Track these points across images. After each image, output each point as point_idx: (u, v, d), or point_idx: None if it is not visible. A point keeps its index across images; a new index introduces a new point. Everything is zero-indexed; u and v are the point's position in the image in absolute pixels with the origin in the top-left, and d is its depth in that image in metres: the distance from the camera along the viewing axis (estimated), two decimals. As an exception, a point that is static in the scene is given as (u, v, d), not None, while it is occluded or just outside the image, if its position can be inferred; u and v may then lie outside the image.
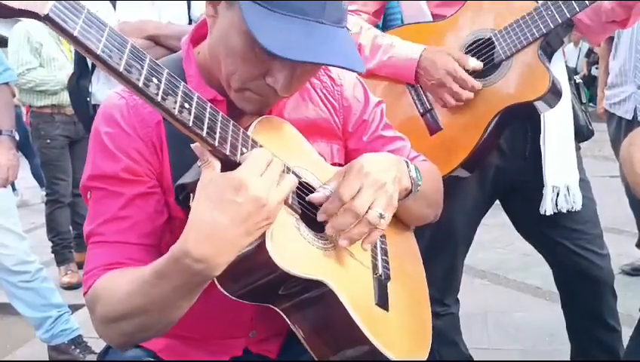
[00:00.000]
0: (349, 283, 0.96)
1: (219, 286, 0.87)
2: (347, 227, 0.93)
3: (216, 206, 0.78)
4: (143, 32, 1.88)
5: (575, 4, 1.46)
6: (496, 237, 3.58)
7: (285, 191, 0.83)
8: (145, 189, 0.97)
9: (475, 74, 1.52)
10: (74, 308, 2.89)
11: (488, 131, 1.53)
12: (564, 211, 1.64)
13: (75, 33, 0.68)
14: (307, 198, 0.96)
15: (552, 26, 1.47)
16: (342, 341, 0.95)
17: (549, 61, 1.55)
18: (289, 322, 0.94)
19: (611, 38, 3.08)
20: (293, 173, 0.94)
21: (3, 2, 0.63)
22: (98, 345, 2.42)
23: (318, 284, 0.90)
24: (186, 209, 0.83)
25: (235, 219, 0.78)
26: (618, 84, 3.02)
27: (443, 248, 1.74)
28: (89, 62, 2.12)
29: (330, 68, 1.15)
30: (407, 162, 1.08)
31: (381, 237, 1.10)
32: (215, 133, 0.81)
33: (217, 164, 0.81)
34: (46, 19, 0.66)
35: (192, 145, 0.83)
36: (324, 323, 0.95)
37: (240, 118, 1.02)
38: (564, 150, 1.64)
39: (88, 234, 0.97)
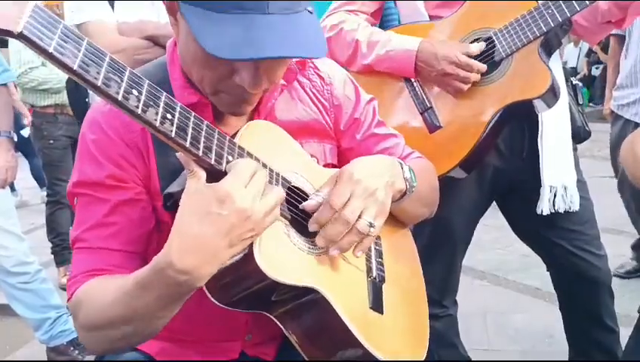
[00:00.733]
0: (342, 287, 0.96)
1: (209, 296, 0.87)
2: (338, 237, 0.93)
3: (200, 218, 0.77)
4: (142, 32, 1.88)
5: (575, 4, 1.46)
6: (495, 238, 3.57)
7: (270, 203, 0.82)
8: (131, 196, 0.96)
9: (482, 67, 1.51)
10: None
11: (488, 129, 1.53)
12: (562, 211, 1.64)
13: (51, 50, 0.67)
14: (300, 206, 0.96)
15: (553, 25, 1.47)
16: (336, 346, 0.95)
17: (548, 61, 1.54)
18: (283, 328, 0.94)
19: (623, 37, 3.05)
20: (283, 178, 0.94)
21: None
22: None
23: (310, 291, 0.90)
24: (174, 215, 0.82)
25: (220, 231, 0.77)
26: (628, 85, 2.97)
27: (441, 249, 1.74)
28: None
29: (318, 67, 1.15)
30: (401, 163, 1.07)
31: (376, 238, 1.09)
32: (199, 142, 0.80)
33: (202, 174, 0.81)
34: (20, 36, 0.65)
35: (177, 155, 0.82)
36: (317, 329, 0.94)
37: (226, 122, 1.02)
38: (561, 150, 1.64)
39: (73, 240, 0.97)
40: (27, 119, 5.01)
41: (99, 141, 0.96)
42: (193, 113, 0.82)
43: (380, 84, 1.63)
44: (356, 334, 0.92)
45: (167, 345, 1.10)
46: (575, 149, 1.72)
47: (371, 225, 0.94)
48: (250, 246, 0.83)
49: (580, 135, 1.69)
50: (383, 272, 1.08)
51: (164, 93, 0.79)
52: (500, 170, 1.67)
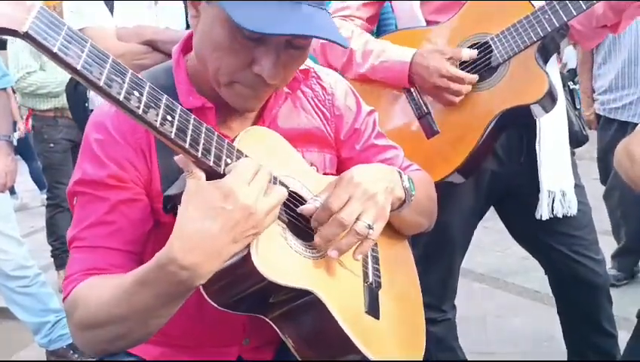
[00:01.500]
0: (339, 292, 0.96)
1: (207, 298, 0.87)
2: (335, 237, 0.93)
3: (204, 212, 0.78)
4: (141, 37, 1.88)
5: (572, 8, 1.46)
6: (495, 241, 3.57)
7: (273, 202, 0.83)
8: (130, 195, 0.97)
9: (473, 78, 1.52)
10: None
11: (486, 135, 1.53)
12: (560, 216, 1.64)
13: (55, 50, 0.68)
14: (298, 210, 0.96)
15: (550, 30, 1.47)
16: (332, 350, 0.95)
17: (545, 65, 1.55)
18: (279, 332, 0.94)
19: None
20: (281, 182, 0.94)
21: None
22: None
23: (306, 294, 0.90)
24: (175, 217, 0.82)
25: (224, 226, 0.77)
26: (618, 87, 2.97)
27: (439, 254, 1.74)
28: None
29: (321, 77, 1.16)
30: (400, 172, 1.08)
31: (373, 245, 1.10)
32: (198, 144, 0.81)
33: (202, 175, 0.81)
34: (26, 36, 0.67)
35: (175, 158, 0.83)
36: (313, 333, 0.94)
37: (229, 126, 1.03)
38: (559, 155, 1.64)
39: (71, 239, 0.97)
40: (20, 124, 5.02)
41: (104, 142, 0.97)
42: (193, 116, 0.83)
43: (378, 90, 1.63)
44: (352, 337, 0.92)
45: (164, 350, 1.10)
46: (573, 154, 1.72)
47: (370, 227, 0.94)
48: (247, 247, 0.83)
49: (577, 139, 1.70)
50: (380, 278, 1.08)
51: (165, 96, 0.80)
52: (497, 174, 1.67)
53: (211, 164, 0.82)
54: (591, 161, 3.33)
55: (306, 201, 0.99)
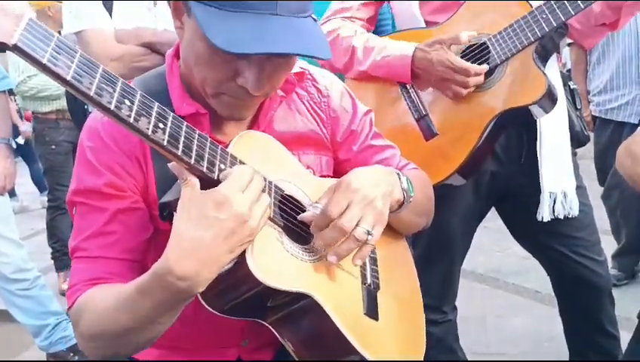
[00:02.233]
0: (337, 294, 0.96)
1: (204, 305, 0.88)
2: (335, 242, 0.93)
3: (197, 222, 0.78)
4: (140, 40, 1.88)
5: (569, 8, 1.45)
6: (495, 241, 3.57)
7: (263, 209, 0.83)
8: (128, 204, 0.97)
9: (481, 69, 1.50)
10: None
11: (484, 136, 1.52)
12: (561, 217, 1.64)
13: (44, 61, 0.69)
14: (298, 218, 0.96)
15: (547, 30, 1.47)
16: (331, 352, 0.95)
17: (544, 66, 1.55)
18: (278, 335, 0.94)
19: None
20: (275, 186, 0.95)
21: None
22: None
23: (303, 297, 0.90)
24: (172, 224, 0.83)
25: (219, 235, 0.78)
26: (614, 88, 2.96)
27: (440, 255, 1.74)
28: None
29: (316, 79, 1.15)
30: (398, 174, 1.08)
31: None
32: (191, 151, 0.81)
33: (196, 182, 0.81)
34: (15, 48, 0.67)
35: (169, 165, 0.83)
36: (312, 336, 0.95)
37: (224, 132, 1.03)
38: (560, 156, 1.63)
39: (73, 249, 0.98)
40: (22, 127, 5.03)
41: (97, 149, 0.97)
42: (185, 122, 0.83)
43: (377, 91, 1.63)
44: (350, 339, 0.92)
45: (163, 352, 1.10)
46: (574, 154, 1.71)
47: (369, 233, 0.94)
48: (243, 252, 0.83)
49: (579, 139, 1.69)
50: (378, 279, 1.08)
51: (157, 103, 0.80)
52: (497, 175, 1.67)
53: (205, 170, 0.82)
54: (591, 161, 3.32)
55: (302, 205, 0.99)
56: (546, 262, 1.81)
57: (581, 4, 1.44)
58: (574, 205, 1.64)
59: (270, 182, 0.94)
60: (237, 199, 0.79)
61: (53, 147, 3.61)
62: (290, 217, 0.97)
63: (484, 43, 1.53)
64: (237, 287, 0.87)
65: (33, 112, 3.71)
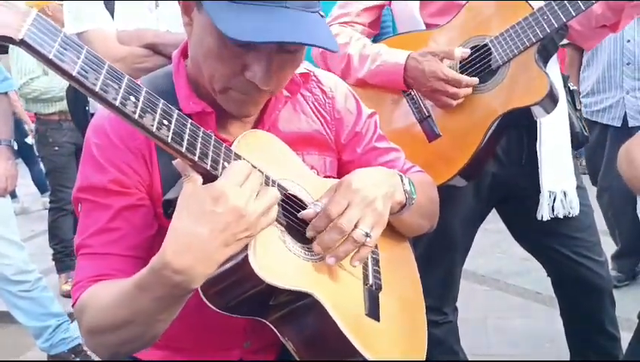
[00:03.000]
0: (338, 294, 0.96)
1: (206, 302, 0.88)
2: (333, 244, 0.94)
3: (195, 217, 0.78)
4: (142, 40, 1.88)
5: (571, 9, 1.46)
6: (495, 243, 3.57)
7: (265, 204, 0.83)
8: (133, 201, 0.97)
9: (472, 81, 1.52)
10: (74, 316, 2.88)
11: (487, 137, 1.53)
12: (561, 216, 1.64)
13: (51, 56, 0.69)
14: (299, 215, 0.96)
15: (549, 31, 1.47)
16: (332, 353, 0.95)
17: (545, 66, 1.55)
18: (279, 335, 0.94)
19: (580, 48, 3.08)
20: (279, 185, 0.95)
21: None
22: (98, 353, 2.42)
23: (305, 296, 0.90)
24: None
25: (214, 229, 0.78)
26: (600, 90, 3.00)
27: (441, 256, 1.74)
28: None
29: (321, 80, 1.16)
30: (401, 176, 1.08)
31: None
32: (195, 148, 0.82)
33: (199, 178, 0.82)
34: (22, 43, 0.68)
35: (173, 162, 0.83)
36: (313, 336, 0.95)
37: (229, 131, 1.03)
38: (560, 156, 1.64)
39: (78, 246, 0.98)
40: (29, 127, 5.03)
41: (103, 146, 0.98)
42: (190, 120, 0.83)
43: (378, 94, 1.63)
44: (351, 340, 0.92)
45: (166, 353, 1.10)
46: (575, 156, 1.72)
47: (367, 235, 0.94)
48: (245, 250, 0.83)
49: (578, 140, 1.70)
50: (380, 280, 1.08)
51: (162, 101, 0.80)
52: (498, 177, 1.67)
53: (208, 167, 0.83)
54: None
55: (305, 204, 0.99)
56: (547, 262, 1.81)
57: (582, 5, 1.45)
58: (575, 204, 1.64)
59: (274, 181, 0.94)
60: (233, 193, 0.79)
61: (56, 148, 3.61)
62: (293, 216, 0.97)
63: (486, 45, 1.53)
64: (239, 285, 0.87)
65: (36, 114, 3.71)
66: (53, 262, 3.74)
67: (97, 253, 0.96)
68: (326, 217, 0.94)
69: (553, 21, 1.47)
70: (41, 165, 4.50)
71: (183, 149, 0.80)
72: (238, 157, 0.89)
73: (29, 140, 5.49)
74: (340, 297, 0.96)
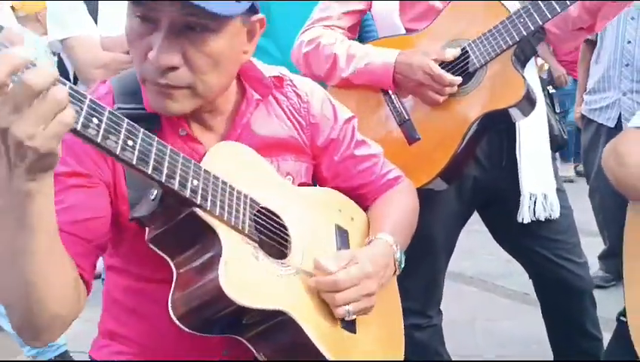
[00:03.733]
0: (313, 309, 0.96)
1: (177, 323, 0.87)
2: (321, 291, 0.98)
3: None
4: (126, 46, 1.87)
5: (547, 12, 1.47)
6: (483, 244, 3.56)
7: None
8: (85, 182, 0.94)
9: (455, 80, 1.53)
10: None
11: (466, 140, 1.54)
12: (542, 219, 1.65)
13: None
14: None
15: (525, 34, 1.49)
16: None
17: (523, 70, 1.56)
18: (254, 351, 0.93)
19: (593, 42, 3.08)
20: (251, 200, 0.95)
21: None
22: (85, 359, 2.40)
23: (278, 313, 0.90)
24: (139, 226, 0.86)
25: None
26: (600, 89, 2.99)
27: (423, 260, 1.73)
28: (70, 71, 2.12)
29: (297, 85, 1.15)
30: (395, 244, 1.11)
31: None
32: (163, 167, 0.81)
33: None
34: None
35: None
36: (288, 352, 0.94)
37: (200, 134, 1.02)
38: (539, 158, 1.65)
39: None
40: None
41: (70, 142, 0.93)
42: (156, 138, 0.82)
43: (359, 98, 1.64)
44: (326, 355, 0.92)
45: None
46: (555, 158, 1.73)
47: (349, 314, 0.98)
48: (217, 270, 0.84)
49: (557, 142, 1.71)
50: None
51: (126, 120, 0.78)
52: (479, 180, 1.68)
53: (176, 188, 0.83)
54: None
55: (278, 217, 1.00)
56: (528, 265, 1.82)
57: (557, 7, 1.46)
58: (555, 207, 1.66)
59: (246, 196, 0.94)
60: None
61: None
62: (266, 230, 0.97)
63: (464, 48, 1.55)
64: (210, 306, 0.86)
65: None
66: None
67: None
68: (333, 285, 0.97)
69: (529, 24, 1.48)
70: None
71: (149, 171, 0.79)
72: (207, 173, 0.89)
73: None
74: (315, 312, 0.96)
